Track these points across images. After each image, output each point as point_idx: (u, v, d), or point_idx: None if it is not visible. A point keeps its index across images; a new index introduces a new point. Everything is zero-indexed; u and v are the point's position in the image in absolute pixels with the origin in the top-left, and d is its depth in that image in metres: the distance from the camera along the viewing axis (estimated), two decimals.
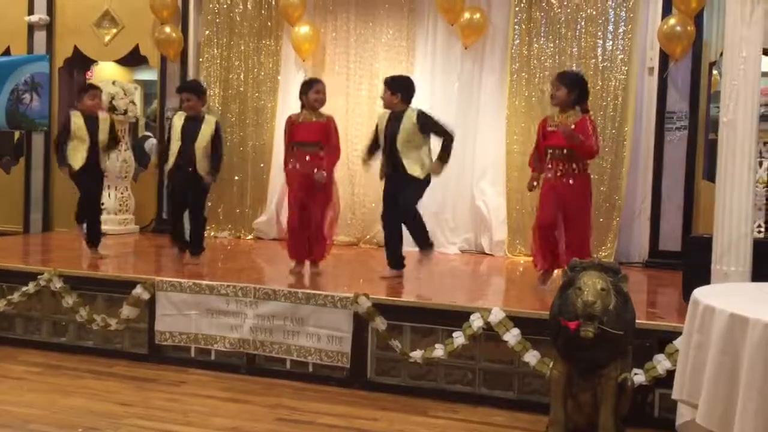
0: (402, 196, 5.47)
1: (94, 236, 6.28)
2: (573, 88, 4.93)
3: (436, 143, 5.58)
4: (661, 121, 6.83)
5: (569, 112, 4.95)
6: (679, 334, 3.46)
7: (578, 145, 4.88)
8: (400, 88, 5.51)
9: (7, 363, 5.02)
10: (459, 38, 7.45)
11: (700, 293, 3.04)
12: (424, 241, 5.59)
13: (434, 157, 5.55)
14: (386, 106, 5.57)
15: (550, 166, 5.05)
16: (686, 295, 4.09)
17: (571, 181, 4.97)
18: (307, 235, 5.63)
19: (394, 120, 5.47)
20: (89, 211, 6.27)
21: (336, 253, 6.97)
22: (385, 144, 5.53)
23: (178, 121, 6.10)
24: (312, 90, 5.60)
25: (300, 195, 5.56)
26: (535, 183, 5.24)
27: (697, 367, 2.84)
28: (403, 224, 5.58)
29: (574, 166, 4.98)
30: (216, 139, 6.13)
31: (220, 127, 6.34)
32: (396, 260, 5.60)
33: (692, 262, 4.73)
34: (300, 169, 5.57)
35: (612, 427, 3.61)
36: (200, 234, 6.25)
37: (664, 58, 6.78)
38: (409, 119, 5.42)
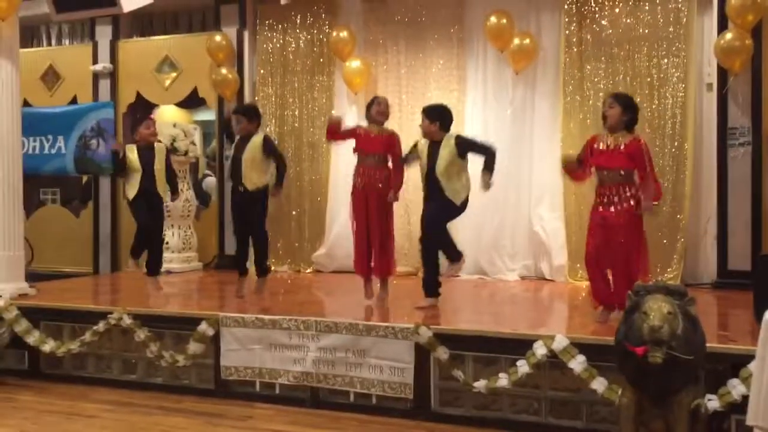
0: (430, 213, 5.48)
1: (153, 265, 6.44)
2: (626, 110, 4.81)
3: (473, 169, 5.58)
4: (722, 138, 6.67)
5: (619, 133, 4.83)
6: (753, 357, 3.33)
7: (649, 200, 4.72)
8: (437, 117, 5.56)
9: (81, 401, 5.17)
10: (510, 64, 7.46)
11: None
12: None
13: (471, 184, 5.53)
14: (425, 135, 5.61)
15: (599, 192, 4.85)
16: (758, 315, 3.95)
17: (621, 213, 4.70)
18: (370, 249, 5.72)
19: (434, 148, 5.50)
20: (148, 240, 6.40)
21: (395, 284, 7.00)
22: (425, 172, 5.55)
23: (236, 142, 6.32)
24: (374, 104, 5.78)
25: (362, 208, 5.68)
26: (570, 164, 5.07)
27: None
28: (422, 242, 5.57)
29: (627, 193, 4.73)
30: (267, 150, 6.13)
31: (270, 138, 6.35)
32: (433, 288, 5.57)
33: (763, 282, 4.58)
34: (361, 182, 5.70)
35: None
36: (263, 253, 6.31)
37: (723, 74, 6.64)
38: (447, 145, 5.45)
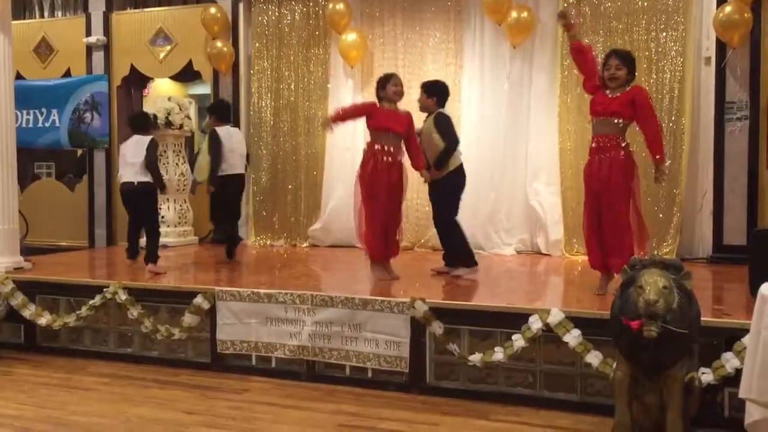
0: (437, 210, 5.73)
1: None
2: (631, 69, 4.81)
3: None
4: (720, 112, 6.64)
5: (620, 89, 4.78)
6: (748, 331, 3.35)
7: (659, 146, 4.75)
8: (435, 91, 5.74)
9: (78, 374, 5.19)
10: (507, 38, 7.39)
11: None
12: (457, 257, 5.72)
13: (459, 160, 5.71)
14: (422, 108, 5.81)
15: (592, 143, 4.86)
16: (753, 290, 3.97)
17: (610, 161, 4.72)
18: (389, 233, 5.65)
19: (425, 122, 5.75)
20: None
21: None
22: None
23: None
24: (390, 83, 5.58)
25: (385, 186, 5.47)
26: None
27: (767, 365, 2.75)
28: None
29: (619, 143, 4.73)
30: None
31: (213, 135, 6.71)
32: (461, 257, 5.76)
33: (759, 256, 4.59)
34: (386, 160, 5.46)
35: (680, 429, 3.52)
36: (232, 238, 7.01)
37: (722, 47, 6.60)
38: (431, 119, 5.67)
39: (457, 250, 5.75)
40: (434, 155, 5.61)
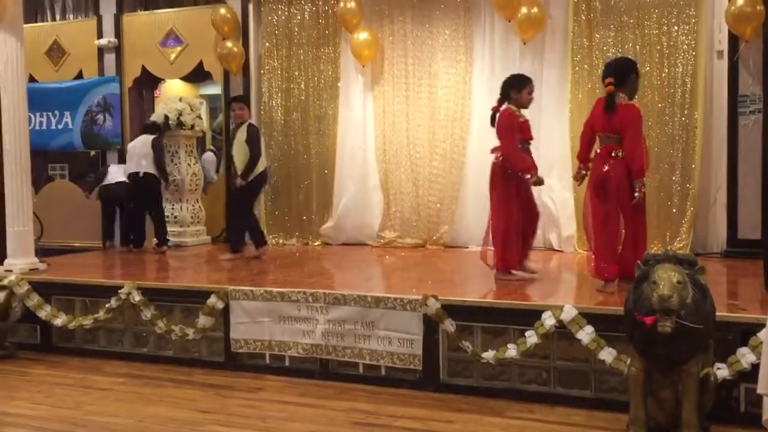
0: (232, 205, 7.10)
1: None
2: (616, 77, 4.87)
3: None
4: (733, 106, 6.60)
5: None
6: (763, 325, 3.33)
7: None
8: (248, 103, 7.16)
9: (93, 374, 5.23)
10: (517, 34, 7.37)
11: None
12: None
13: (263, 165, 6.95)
14: (236, 117, 6.94)
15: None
16: None
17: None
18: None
19: (236, 130, 6.90)
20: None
21: (403, 255, 7.02)
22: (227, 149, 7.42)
23: None
24: (526, 89, 5.41)
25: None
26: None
27: None
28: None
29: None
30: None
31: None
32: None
33: None
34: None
35: (696, 424, 3.50)
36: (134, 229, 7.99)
37: (734, 40, 6.55)
38: (242, 129, 6.81)
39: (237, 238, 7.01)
40: (242, 163, 6.74)
